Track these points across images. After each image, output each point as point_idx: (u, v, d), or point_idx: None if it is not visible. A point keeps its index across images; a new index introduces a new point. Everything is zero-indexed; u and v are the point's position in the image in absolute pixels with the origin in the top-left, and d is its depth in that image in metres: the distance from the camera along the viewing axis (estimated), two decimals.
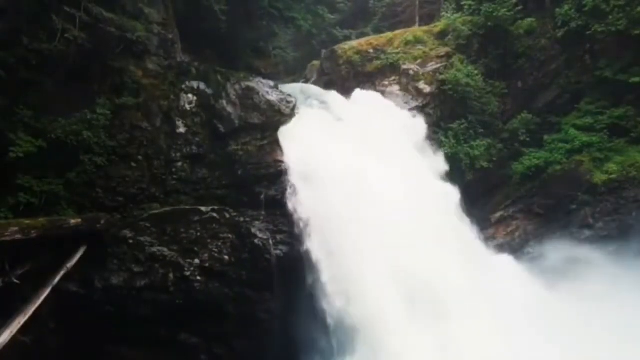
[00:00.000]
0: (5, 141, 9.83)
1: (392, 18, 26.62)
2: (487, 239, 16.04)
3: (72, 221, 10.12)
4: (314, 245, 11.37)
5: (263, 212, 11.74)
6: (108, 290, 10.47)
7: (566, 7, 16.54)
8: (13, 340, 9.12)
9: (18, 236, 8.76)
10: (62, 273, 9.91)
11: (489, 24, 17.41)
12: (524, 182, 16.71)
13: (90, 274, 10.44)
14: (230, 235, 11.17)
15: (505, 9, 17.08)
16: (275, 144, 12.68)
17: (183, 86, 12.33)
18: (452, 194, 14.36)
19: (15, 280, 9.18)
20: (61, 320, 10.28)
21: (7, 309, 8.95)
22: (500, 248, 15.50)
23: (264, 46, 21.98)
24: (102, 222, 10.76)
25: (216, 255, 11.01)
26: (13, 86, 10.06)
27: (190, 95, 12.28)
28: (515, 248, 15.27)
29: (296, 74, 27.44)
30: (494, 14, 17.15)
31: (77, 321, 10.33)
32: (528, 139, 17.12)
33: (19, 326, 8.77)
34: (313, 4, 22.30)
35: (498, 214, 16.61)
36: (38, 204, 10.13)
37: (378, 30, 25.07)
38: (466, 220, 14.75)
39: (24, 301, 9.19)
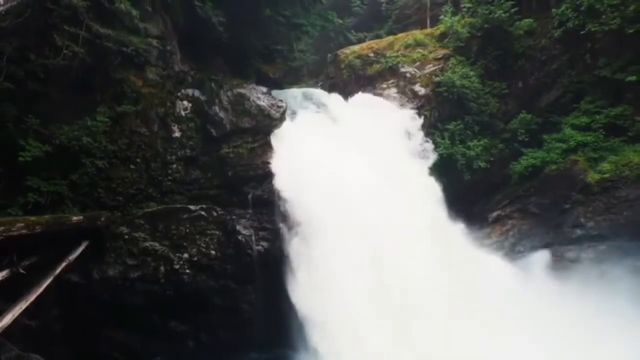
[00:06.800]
0: (15, 146, 10.92)
1: (404, 20, 26.88)
2: (483, 238, 16.24)
3: (74, 218, 11.04)
4: (295, 242, 12.03)
5: (250, 211, 12.46)
6: (105, 281, 11.41)
7: (563, 7, 16.41)
8: (21, 324, 10.30)
9: (24, 231, 9.55)
10: (63, 265, 10.90)
11: (486, 25, 17.48)
12: (522, 182, 16.67)
13: (90, 266, 11.42)
14: (217, 232, 11.93)
15: (501, 10, 17.11)
16: (267, 146, 13.32)
17: (179, 93, 13.16)
18: (439, 192, 14.68)
19: (22, 271, 10.02)
20: (64, 307, 11.29)
21: (13, 296, 9.90)
22: (494, 247, 15.64)
23: (283, 50, 22.57)
24: (103, 219, 11.72)
25: (203, 250, 11.82)
26: (22, 97, 11.08)
27: (185, 102, 13.10)
28: (508, 247, 15.37)
29: (319, 76, 28.22)
30: (491, 16, 17.24)
31: (78, 309, 11.31)
32: (527, 139, 17.03)
33: (20, 311, 9.76)
34: (325, 9, 22.73)
35: (495, 214, 16.68)
36: (45, 203, 11.17)
37: (391, 33, 25.35)
38: (454, 219, 15.02)
39: (28, 290, 10.20)
